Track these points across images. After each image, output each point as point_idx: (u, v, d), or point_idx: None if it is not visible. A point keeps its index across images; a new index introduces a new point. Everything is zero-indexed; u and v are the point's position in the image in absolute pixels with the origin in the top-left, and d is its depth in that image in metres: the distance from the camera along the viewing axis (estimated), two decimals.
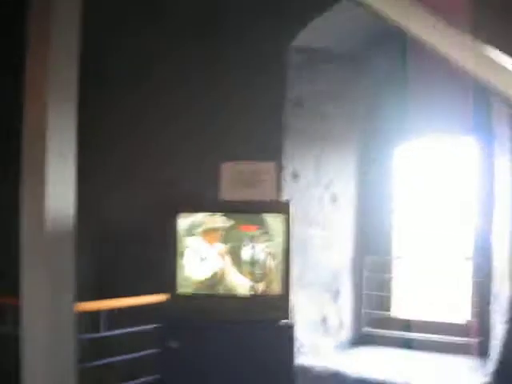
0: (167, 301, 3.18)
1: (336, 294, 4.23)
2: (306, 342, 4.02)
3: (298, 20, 3.86)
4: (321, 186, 4.16)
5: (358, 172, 4.38)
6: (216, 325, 3.10)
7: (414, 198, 4.39)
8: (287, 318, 3.09)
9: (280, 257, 3.08)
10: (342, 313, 4.28)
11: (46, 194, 2.92)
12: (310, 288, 4.07)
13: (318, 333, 4.12)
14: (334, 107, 4.17)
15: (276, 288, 3.09)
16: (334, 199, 4.23)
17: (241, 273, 3.09)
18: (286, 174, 3.96)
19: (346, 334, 4.31)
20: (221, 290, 3.11)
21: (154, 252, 3.49)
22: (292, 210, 3.12)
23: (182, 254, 3.12)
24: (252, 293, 3.10)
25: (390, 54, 4.24)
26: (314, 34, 3.91)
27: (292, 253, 3.12)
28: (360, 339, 4.35)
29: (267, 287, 3.09)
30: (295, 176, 4.02)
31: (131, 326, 3.67)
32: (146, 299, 3.65)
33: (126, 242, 4.24)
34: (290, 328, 3.09)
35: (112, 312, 3.61)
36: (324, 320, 4.16)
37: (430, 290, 4.23)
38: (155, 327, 3.42)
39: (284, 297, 3.08)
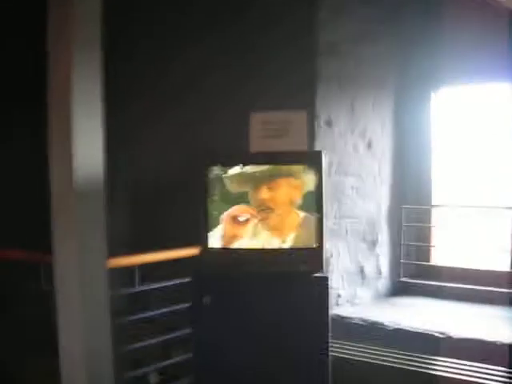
0: (199, 255, 3.12)
1: (373, 244, 4.17)
2: (343, 292, 4.01)
3: None
4: (356, 133, 4.06)
5: (394, 118, 4.25)
6: (248, 278, 3.04)
7: (453, 144, 4.24)
8: (321, 270, 3.01)
9: (313, 208, 2.96)
10: (380, 263, 4.22)
11: (73, 151, 2.92)
12: (346, 238, 4.03)
13: (355, 283, 4.09)
14: (368, 51, 4.02)
15: (309, 240, 2.97)
16: (369, 147, 4.13)
17: (273, 225, 2.99)
18: (320, 122, 3.86)
19: (384, 284, 4.26)
20: (253, 244, 3.02)
21: (187, 205, 3.39)
22: (324, 159, 2.99)
23: (212, 208, 3.02)
24: (285, 245, 3.00)
25: None
26: None
27: (325, 204, 2.99)
28: (398, 289, 4.29)
29: (300, 239, 2.98)
30: (329, 124, 3.92)
31: (166, 280, 3.66)
32: (180, 253, 3.61)
33: (158, 196, 4.24)
34: (323, 280, 3.00)
35: (147, 266, 3.57)
36: (361, 270, 4.12)
37: (471, 240, 4.11)
38: (188, 281, 3.34)
39: (318, 248, 2.97)
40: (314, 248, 2.98)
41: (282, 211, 2.98)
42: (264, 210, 2.98)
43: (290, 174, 2.96)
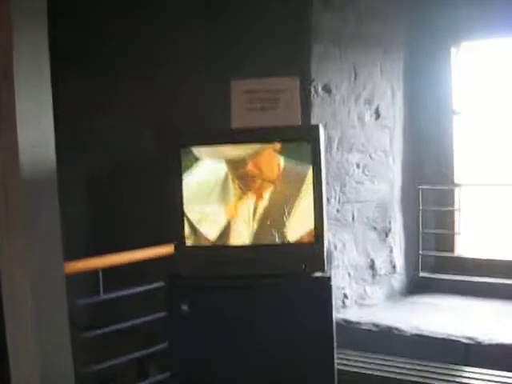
0: (175, 254, 3.01)
1: (385, 233, 4.12)
2: (350, 292, 3.98)
3: None
4: (360, 100, 3.98)
5: (406, 80, 4.16)
6: (233, 281, 2.94)
7: (478, 109, 4.15)
8: (322, 269, 2.91)
9: (309, 194, 2.86)
10: (394, 255, 4.17)
11: (18, 136, 2.89)
12: (353, 226, 3.99)
13: (364, 280, 4.06)
14: (372, 5, 3.92)
15: (306, 233, 2.87)
16: (377, 116, 4.06)
17: (259, 217, 2.87)
18: (317, 89, 3.81)
19: (399, 280, 4.22)
20: (235, 240, 2.92)
21: (159, 195, 3.39)
22: (322, 135, 2.89)
23: (188, 197, 2.91)
24: (276, 241, 2.88)
25: None
26: None
27: (324, 188, 2.90)
28: (416, 286, 4.25)
29: (295, 232, 2.87)
30: (328, 91, 3.85)
31: (135, 285, 3.63)
32: (151, 252, 3.58)
33: (122, 186, 4.21)
34: (325, 281, 2.90)
35: (113, 270, 3.53)
36: (372, 264, 4.08)
37: (501, 226, 4.05)
38: (163, 286, 3.24)
39: (316, 243, 2.87)
40: (311, 242, 2.87)
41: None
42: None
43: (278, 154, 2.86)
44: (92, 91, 4.27)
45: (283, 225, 2.85)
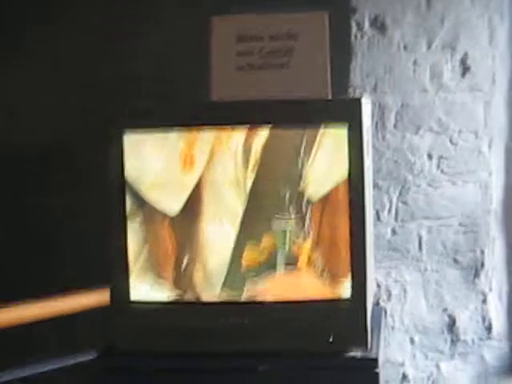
0: (111, 313, 2.95)
1: (475, 270, 3.91)
2: (414, 372, 3.86)
3: None
4: (436, 44, 3.83)
5: None
6: (212, 362, 2.84)
7: None
8: (363, 344, 2.80)
9: (342, 214, 2.75)
10: (489, 308, 3.96)
11: None
12: (420, 260, 3.86)
13: (438, 351, 3.89)
14: None
15: (334, 283, 2.78)
16: (464, 71, 3.87)
17: (251, 254, 2.77)
18: (361, 26, 3.77)
19: (498, 351, 4.01)
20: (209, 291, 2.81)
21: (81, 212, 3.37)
22: (367, 115, 2.84)
23: (132, 219, 2.83)
24: (281, 296, 2.80)
25: None
26: None
27: (370, 203, 2.89)
28: None
29: (313, 282, 2.78)
30: (380, 28, 3.78)
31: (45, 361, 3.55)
32: (67, 305, 3.54)
33: (27, 195, 4.06)
34: (368, 367, 2.81)
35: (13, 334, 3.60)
36: (451, 325, 3.90)
37: None
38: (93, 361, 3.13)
39: (353, 301, 2.78)
40: (345, 299, 2.80)
41: None
42: None
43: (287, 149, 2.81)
44: None
45: (299, 176, 2.80)
